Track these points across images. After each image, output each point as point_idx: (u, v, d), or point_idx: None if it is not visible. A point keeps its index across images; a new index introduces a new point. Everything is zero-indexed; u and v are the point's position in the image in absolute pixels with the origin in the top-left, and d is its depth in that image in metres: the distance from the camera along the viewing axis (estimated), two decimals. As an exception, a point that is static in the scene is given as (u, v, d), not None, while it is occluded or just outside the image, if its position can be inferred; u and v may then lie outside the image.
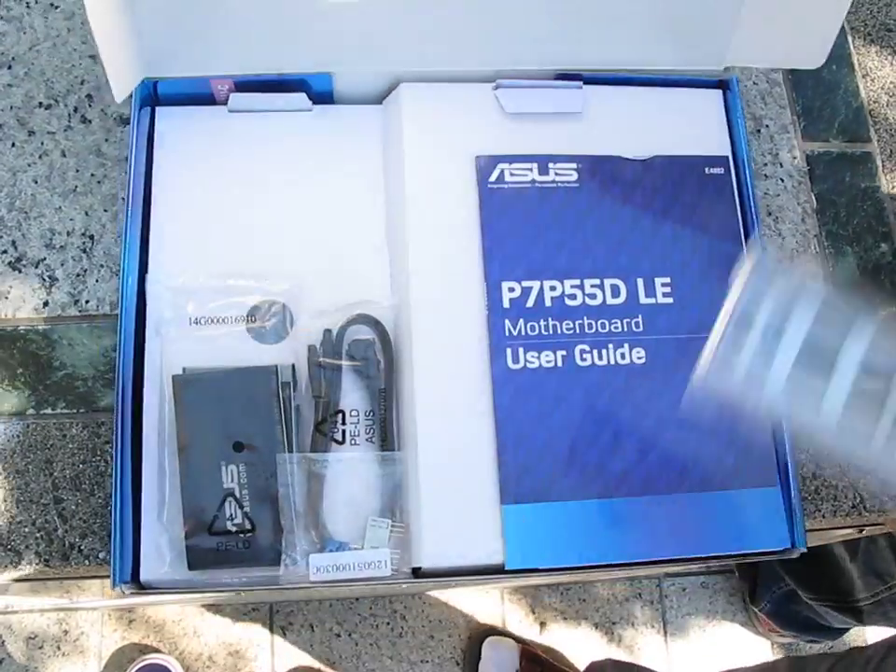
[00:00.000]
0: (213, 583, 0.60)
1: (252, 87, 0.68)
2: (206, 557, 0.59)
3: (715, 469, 0.64)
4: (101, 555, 0.66)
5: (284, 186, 0.68)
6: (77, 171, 0.74)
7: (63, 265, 0.72)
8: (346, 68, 0.68)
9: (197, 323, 0.63)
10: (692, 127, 0.71)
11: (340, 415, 0.64)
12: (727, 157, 0.70)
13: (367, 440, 0.64)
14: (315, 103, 0.70)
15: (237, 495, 0.60)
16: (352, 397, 0.64)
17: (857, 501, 0.76)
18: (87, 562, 0.66)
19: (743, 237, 0.69)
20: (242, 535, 0.59)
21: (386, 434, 0.63)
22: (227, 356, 0.63)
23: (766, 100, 0.85)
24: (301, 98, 0.69)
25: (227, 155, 0.68)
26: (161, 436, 0.61)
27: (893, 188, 0.87)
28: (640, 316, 0.65)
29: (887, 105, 0.89)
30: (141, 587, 0.59)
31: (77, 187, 0.74)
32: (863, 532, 0.90)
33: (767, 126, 0.84)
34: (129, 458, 0.60)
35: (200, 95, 0.69)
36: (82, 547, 0.66)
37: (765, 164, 0.83)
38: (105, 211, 0.73)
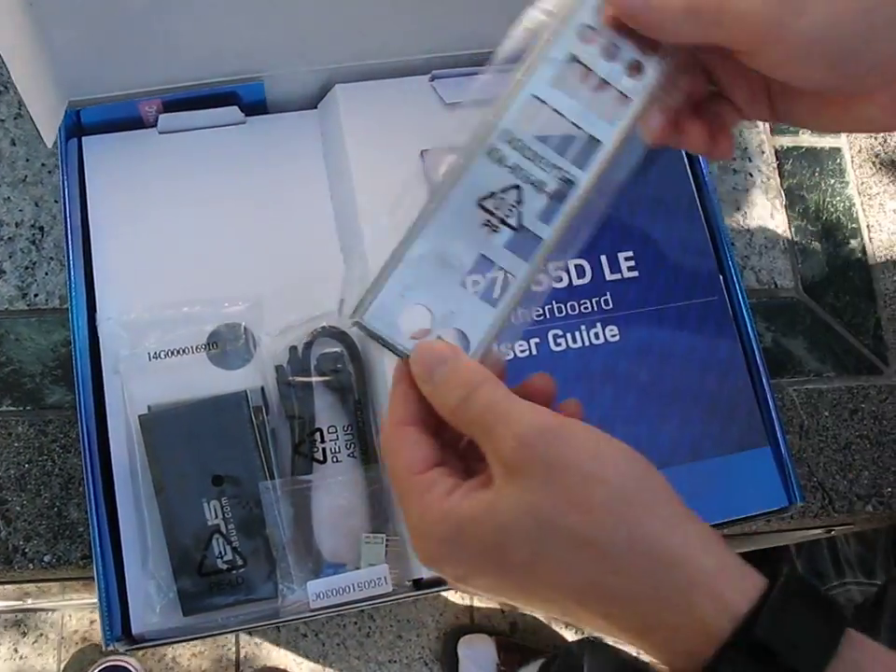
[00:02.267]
0: (209, 626, 0.57)
1: (181, 105, 0.65)
2: (200, 600, 0.56)
3: (703, 438, 0.63)
4: (46, 559, 0.63)
5: (227, 204, 0.65)
6: (28, 160, 0.71)
7: (11, 257, 0.69)
8: (277, 72, 0.65)
9: (157, 357, 0.60)
10: (633, 96, 0.70)
11: (318, 434, 0.61)
12: (672, 122, 0.70)
13: (349, 455, 0.61)
14: (247, 114, 0.67)
15: (223, 530, 0.57)
16: (327, 413, 0.62)
17: (826, 502, 0.77)
18: (31, 566, 0.63)
19: (698, 199, 0.68)
20: (234, 571, 0.57)
21: (368, 447, 0.61)
22: (191, 387, 0.60)
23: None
24: (233, 111, 0.66)
25: (163, 179, 0.65)
26: (135, 480, 0.58)
27: (862, 183, 0.87)
28: (608, 294, 0.64)
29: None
30: (134, 641, 0.56)
31: (26, 177, 0.71)
32: (832, 532, 0.91)
33: (736, 119, 0.83)
34: (104, 509, 0.57)
35: (127, 120, 0.65)
36: (26, 550, 0.63)
37: (734, 159, 0.82)
38: (56, 202, 0.70)
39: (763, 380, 0.65)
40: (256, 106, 0.67)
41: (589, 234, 0.45)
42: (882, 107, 0.41)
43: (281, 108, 0.68)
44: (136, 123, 0.66)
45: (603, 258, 0.65)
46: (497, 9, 0.65)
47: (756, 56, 0.39)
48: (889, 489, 0.80)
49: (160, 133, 0.66)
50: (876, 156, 0.88)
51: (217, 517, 0.57)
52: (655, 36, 0.41)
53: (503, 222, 0.43)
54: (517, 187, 0.43)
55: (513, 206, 0.43)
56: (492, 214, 0.42)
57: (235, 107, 0.66)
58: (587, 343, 0.63)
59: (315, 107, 0.68)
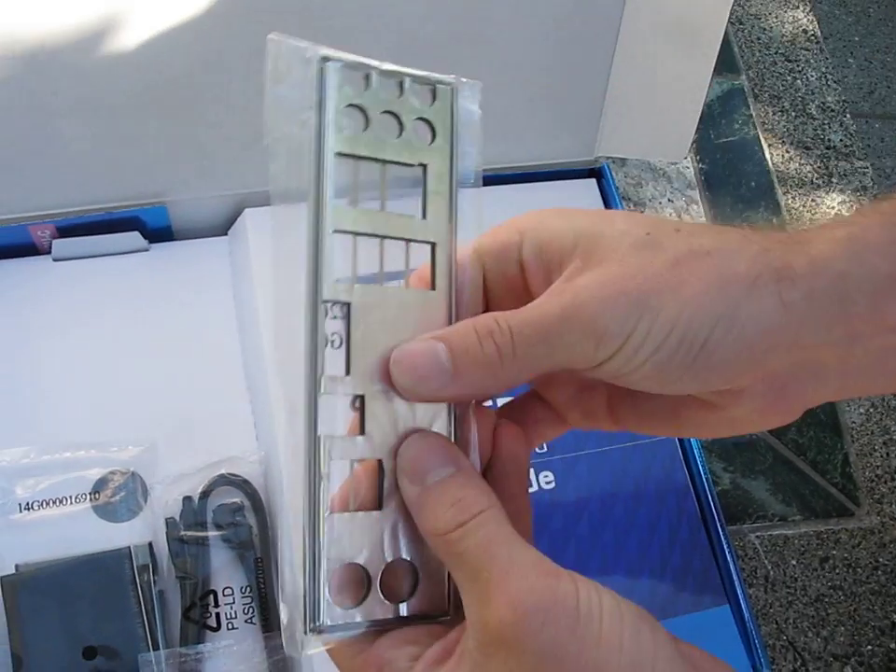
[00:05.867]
0: None
1: (77, 230, 0.60)
2: None
3: (652, 598, 0.56)
4: None
5: (123, 337, 0.60)
6: None
7: None
8: (182, 196, 0.61)
9: (28, 508, 0.54)
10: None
11: (211, 596, 0.54)
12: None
13: (246, 621, 0.54)
14: (151, 241, 0.62)
15: (91, 715, 0.49)
16: (224, 572, 0.55)
17: (798, 664, 0.70)
18: None
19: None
20: None
21: (269, 612, 0.54)
22: (70, 543, 0.53)
23: (682, 217, 0.81)
24: (134, 237, 0.61)
25: (55, 309, 0.60)
26: (-9, 653, 0.50)
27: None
28: (543, 435, 0.59)
29: (810, 224, 0.87)
30: None
31: None
32: None
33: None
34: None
35: (18, 246, 0.60)
36: None
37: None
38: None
39: (719, 528, 0.59)
40: (160, 232, 0.63)
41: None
42: (754, 407, 0.34)
43: (188, 235, 0.63)
44: (29, 250, 0.61)
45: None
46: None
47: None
48: (870, 647, 0.72)
49: (54, 259, 0.61)
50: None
51: (84, 698, 0.50)
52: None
53: None
54: None
55: None
56: None
57: (137, 233, 0.61)
58: (519, 491, 0.57)
59: (226, 234, 0.64)
